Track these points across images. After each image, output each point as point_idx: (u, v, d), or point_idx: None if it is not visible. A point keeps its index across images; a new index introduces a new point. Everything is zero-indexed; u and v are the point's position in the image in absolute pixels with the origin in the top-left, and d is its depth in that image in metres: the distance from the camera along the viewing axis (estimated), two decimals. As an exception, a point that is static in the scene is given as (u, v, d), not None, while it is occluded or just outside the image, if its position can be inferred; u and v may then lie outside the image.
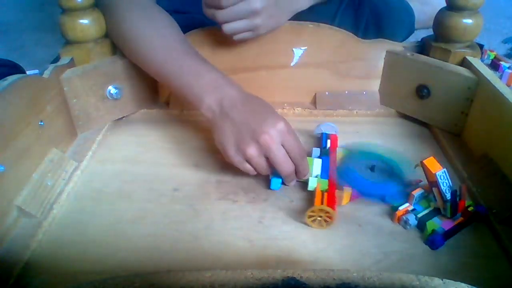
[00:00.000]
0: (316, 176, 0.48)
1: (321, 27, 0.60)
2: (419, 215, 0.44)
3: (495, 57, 0.98)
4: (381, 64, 0.62)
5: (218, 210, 0.46)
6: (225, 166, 0.50)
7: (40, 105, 0.49)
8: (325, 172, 0.48)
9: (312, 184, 0.47)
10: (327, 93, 0.64)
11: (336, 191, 0.45)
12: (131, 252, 0.41)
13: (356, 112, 0.64)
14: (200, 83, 0.48)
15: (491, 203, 0.45)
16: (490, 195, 0.46)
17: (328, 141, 0.54)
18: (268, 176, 0.48)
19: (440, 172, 0.42)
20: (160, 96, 0.66)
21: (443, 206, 0.43)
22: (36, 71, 0.89)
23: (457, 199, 0.43)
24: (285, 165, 0.45)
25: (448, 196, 0.42)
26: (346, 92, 0.64)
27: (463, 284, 0.28)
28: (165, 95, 0.65)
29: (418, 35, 0.77)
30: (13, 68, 0.81)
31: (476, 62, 0.55)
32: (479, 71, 0.53)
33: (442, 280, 0.28)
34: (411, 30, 0.85)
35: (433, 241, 0.41)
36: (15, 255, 0.40)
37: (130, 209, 0.46)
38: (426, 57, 0.59)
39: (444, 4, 0.57)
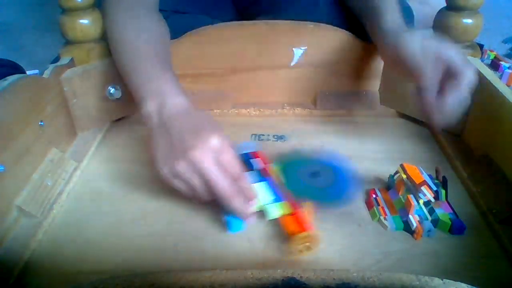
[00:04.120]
0: (271, 202, 0.43)
1: (321, 27, 0.60)
2: (428, 218, 0.43)
3: (495, 57, 0.98)
4: (381, 64, 0.62)
5: (218, 210, 0.46)
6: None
7: (40, 105, 0.49)
8: (276, 194, 0.44)
9: (272, 211, 0.42)
10: (327, 93, 0.64)
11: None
12: (131, 252, 0.41)
13: (356, 112, 0.64)
14: (146, 87, 0.45)
15: (491, 203, 0.45)
16: (490, 195, 0.46)
17: (255, 160, 0.49)
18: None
19: (423, 172, 0.45)
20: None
21: (433, 195, 0.44)
22: (36, 71, 0.90)
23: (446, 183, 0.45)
24: (221, 184, 0.39)
25: (434, 187, 0.44)
26: (346, 92, 0.64)
27: (463, 284, 0.28)
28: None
29: (418, 35, 0.77)
30: (13, 68, 0.81)
31: (476, 62, 0.55)
32: (479, 71, 0.53)
33: (442, 280, 0.28)
34: (411, 30, 0.85)
35: (460, 227, 0.42)
36: (15, 255, 0.40)
37: (130, 209, 0.46)
38: (426, 57, 0.58)
39: (443, 4, 0.57)
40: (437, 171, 0.47)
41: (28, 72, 0.84)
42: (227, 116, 0.65)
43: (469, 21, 0.55)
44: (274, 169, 0.48)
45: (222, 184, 0.39)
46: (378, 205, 0.45)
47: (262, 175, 0.47)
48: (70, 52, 0.57)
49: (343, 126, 0.62)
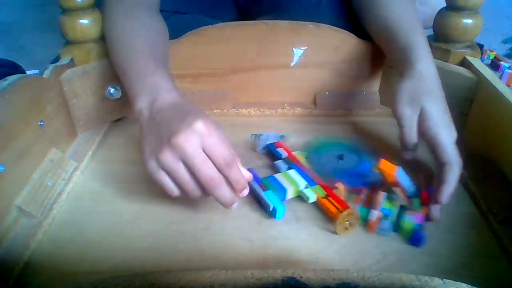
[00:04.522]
0: (306, 187, 0.46)
1: (321, 27, 0.60)
2: (391, 219, 0.43)
3: (495, 57, 0.98)
4: (381, 64, 0.62)
5: (218, 210, 0.46)
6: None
7: (40, 105, 0.49)
8: (308, 179, 0.47)
9: (311, 195, 0.45)
10: (327, 93, 0.64)
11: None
12: (131, 252, 0.41)
13: (356, 112, 0.64)
14: (140, 84, 0.45)
15: (491, 203, 0.45)
16: (490, 195, 0.46)
17: (280, 149, 0.52)
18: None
19: (399, 172, 0.45)
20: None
21: (408, 202, 0.44)
22: (36, 71, 0.90)
23: (420, 192, 0.45)
24: (206, 171, 0.37)
25: (411, 192, 0.45)
26: (346, 92, 0.64)
27: (463, 284, 0.28)
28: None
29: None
30: (13, 68, 0.81)
31: (476, 62, 0.55)
32: (479, 71, 0.53)
33: (442, 280, 0.28)
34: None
35: (418, 239, 0.41)
36: (15, 255, 0.40)
37: (130, 209, 0.46)
38: (426, 57, 0.58)
39: (442, 5, 0.57)
40: (422, 179, 0.47)
41: (28, 72, 0.84)
42: (227, 116, 0.65)
43: (469, 21, 0.55)
44: (300, 156, 0.51)
45: (207, 170, 0.38)
46: (358, 194, 0.46)
47: (291, 162, 0.50)
48: (70, 52, 0.57)
49: (343, 126, 0.62)
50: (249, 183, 0.44)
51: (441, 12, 0.58)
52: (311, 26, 0.60)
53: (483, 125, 0.52)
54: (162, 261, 0.40)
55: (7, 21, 1.33)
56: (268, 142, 0.54)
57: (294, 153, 0.52)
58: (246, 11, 0.76)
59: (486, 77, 0.51)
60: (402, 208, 0.44)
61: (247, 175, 0.42)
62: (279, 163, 0.51)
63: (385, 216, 0.43)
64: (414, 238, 0.41)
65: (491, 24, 1.21)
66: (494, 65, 0.96)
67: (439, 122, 0.45)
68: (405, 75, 0.49)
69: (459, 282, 0.28)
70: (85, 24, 0.55)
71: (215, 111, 0.65)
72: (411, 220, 0.42)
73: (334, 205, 0.43)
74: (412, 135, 0.48)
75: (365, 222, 0.43)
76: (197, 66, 0.62)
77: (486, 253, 0.41)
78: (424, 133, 0.46)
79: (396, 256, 0.40)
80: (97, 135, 0.59)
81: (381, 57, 0.61)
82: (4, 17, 1.35)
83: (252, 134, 0.60)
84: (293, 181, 0.47)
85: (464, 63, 0.56)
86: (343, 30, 0.60)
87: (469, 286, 0.28)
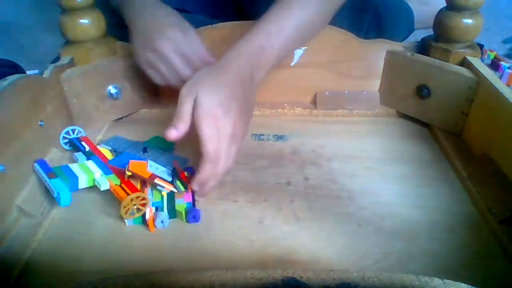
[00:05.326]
0: (101, 176, 0.47)
1: (321, 27, 0.60)
2: (166, 209, 0.45)
3: (495, 57, 0.98)
4: (381, 64, 0.62)
5: (218, 210, 0.46)
6: (225, 166, 0.50)
7: (40, 105, 0.49)
8: (104, 168, 0.48)
9: (104, 183, 0.45)
10: (327, 93, 0.64)
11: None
12: (131, 252, 0.41)
13: (356, 112, 0.64)
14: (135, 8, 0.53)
15: (491, 203, 0.45)
16: (490, 195, 0.46)
17: (84, 143, 0.53)
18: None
19: (150, 165, 0.47)
20: (160, 96, 0.66)
21: (172, 186, 0.46)
22: (36, 71, 0.89)
23: (178, 175, 0.46)
24: (179, 66, 0.52)
25: (170, 177, 0.47)
26: (346, 92, 0.64)
27: (463, 284, 0.28)
28: (165, 95, 0.65)
29: (418, 35, 0.77)
30: (13, 68, 0.81)
31: (476, 62, 0.55)
32: (479, 71, 0.53)
33: (442, 280, 0.28)
34: (411, 30, 0.85)
35: (194, 216, 0.44)
36: (15, 254, 0.40)
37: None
38: (426, 57, 0.59)
39: (443, 5, 0.57)
40: (175, 162, 0.49)
41: (28, 72, 0.84)
42: (227, 116, 0.64)
43: (469, 21, 0.55)
44: (102, 149, 0.52)
45: (179, 67, 0.51)
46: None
47: (91, 154, 0.51)
48: (70, 52, 0.57)
49: (343, 126, 0.62)
50: (36, 172, 0.46)
51: (441, 12, 0.58)
52: (311, 26, 0.60)
53: (483, 125, 0.52)
54: (162, 261, 0.40)
55: (7, 21, 1.33)
56: (74, 137, 0.55)
57: (98, 147, 0.53)
58: (246, 11, 0.76)
59: (486, 77, 0.51)
60: (171, 195, 0.47)
61: None
62: (79, 154, 0.51)
63: (158, 209, 0.45)
64: (190, 216, 0.44)
65: (491, 24, 1.21)
66: (494, 65, 0.95)
67: (205, 114, 0.42)
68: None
69: (459, 282, 0.28)
70: (85, 24, 0.55)
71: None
72: (181, 202, 0.46)
73: (125, 191, 0.44)
74: (177, 117, 0.44)
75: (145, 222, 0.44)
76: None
77: (486, 253, 0.41)
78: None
79: (396, 256, 0.40)
80: (97, 135, 0.59)
81: (381, 57, 0.61)
82: (4, 17, 1.34)
83: (252, 134, 0.60)
84: (88, 170, 0.47)
85: (464, 63, 0.56)
86: (343, 30, 0.60)
87: (469, 286, 0.28)
